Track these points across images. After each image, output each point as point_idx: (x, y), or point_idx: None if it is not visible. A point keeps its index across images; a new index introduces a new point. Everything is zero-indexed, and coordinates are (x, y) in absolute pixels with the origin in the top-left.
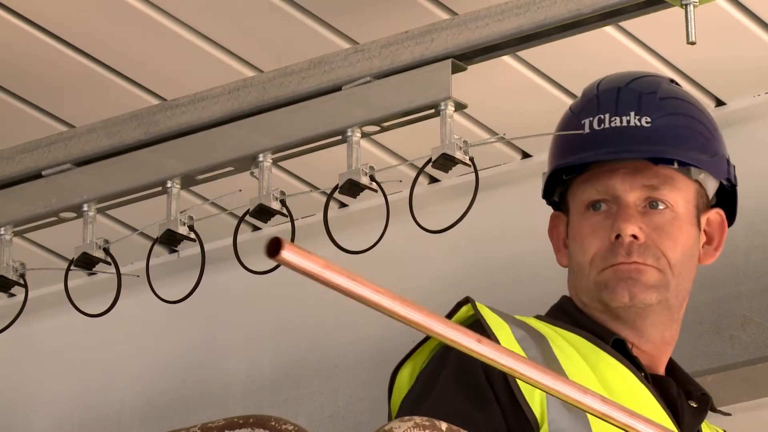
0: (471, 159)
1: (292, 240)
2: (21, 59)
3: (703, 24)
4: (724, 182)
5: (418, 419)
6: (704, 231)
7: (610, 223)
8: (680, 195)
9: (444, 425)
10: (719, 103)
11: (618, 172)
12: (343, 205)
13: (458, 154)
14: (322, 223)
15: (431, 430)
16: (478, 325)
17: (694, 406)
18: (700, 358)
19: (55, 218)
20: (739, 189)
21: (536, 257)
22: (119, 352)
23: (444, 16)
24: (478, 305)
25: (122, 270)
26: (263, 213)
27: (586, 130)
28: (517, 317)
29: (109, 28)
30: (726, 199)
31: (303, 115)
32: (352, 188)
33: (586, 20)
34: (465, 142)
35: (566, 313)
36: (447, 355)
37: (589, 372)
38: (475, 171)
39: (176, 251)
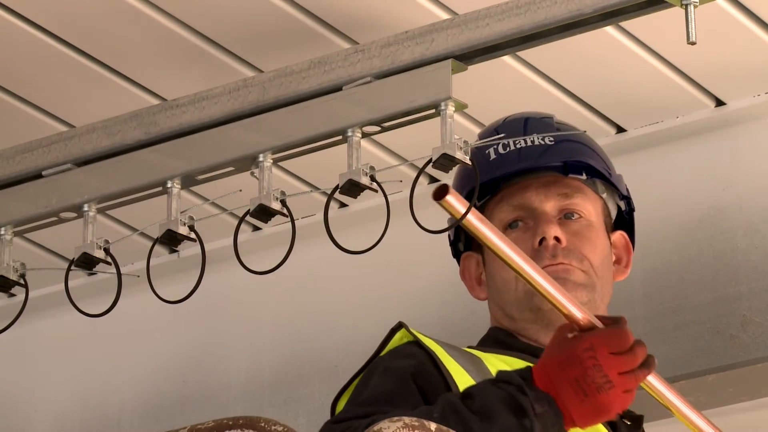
0: (471, 159)
1: (292, 240)
2: (21, 59)
3: (703, 24)
4: (621, 205)
5: (407, 419)
6: (612, 252)
7: (530, 234)
8: (591, 205)
9: (433, 425)
10: (719, 103)
11: (531, 187)
12: (343, 205)
13: (458, 154)
14: (323, 223)
15: (420, 429)
16: (415, 345)
17: (628, 423)
18: (700, 358)
19: (55, 218)
20: (740, 188)
21: None
22: (119, 352)
23: (444, 16)
24: (411, 329)
25: (123, 270)
26: (263, 213)
27: (492, 156)
28: (450, 344)
29: (110, 28)
30: (624, 227)
31: (303, 115)
32: (353, 188)
33: (587, 20)
34: (465, 142)
35: (498, 341)
36: (377, 364)
37: None
38: (475, 171)
39: (176, 251)
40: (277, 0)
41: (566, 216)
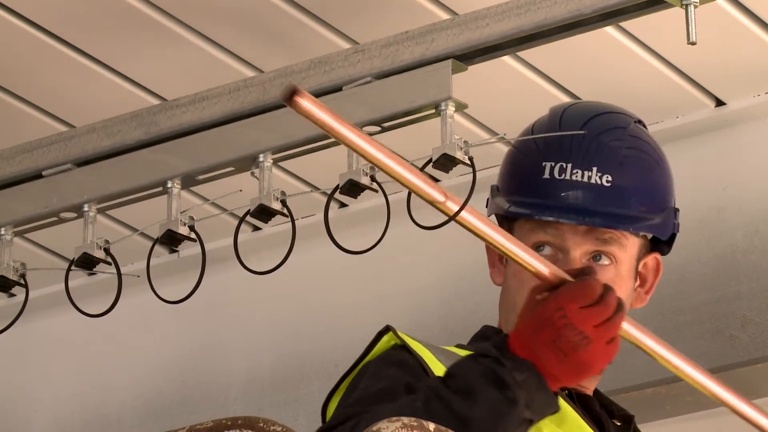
0: (470, 159)
1: (292, 240)
2: (21, 59)
3: (703, 24)
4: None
5: (405, 420)
6: (639, 273)
7: None
8: (626, 253)
9: (432, 425)
10: (719, 103)
11: (571, 225)
12: (343, 205)
13: (458, 154)
14: (323, 223)
15: (419, 430)
16: (404, 350)
17: (618, 424)
18: (700, 358)
19: (55, 218)
20: (740, 188)
21: None
22: (119, 352)
23: (444, 16)
24: (399, 333)
25: (123, 270)
26: (264, 213)
27: (546, 174)
28: (438, 347)
29: (110, 27)
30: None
31: None
32: (353, 188)
33: (587, 20)
34: (465, 142)
35: (487, 339)
36: (366, 368)
37: None
38: (473, 171)
39: (177, 251)
40: (277, 0)
41: (595, 258)
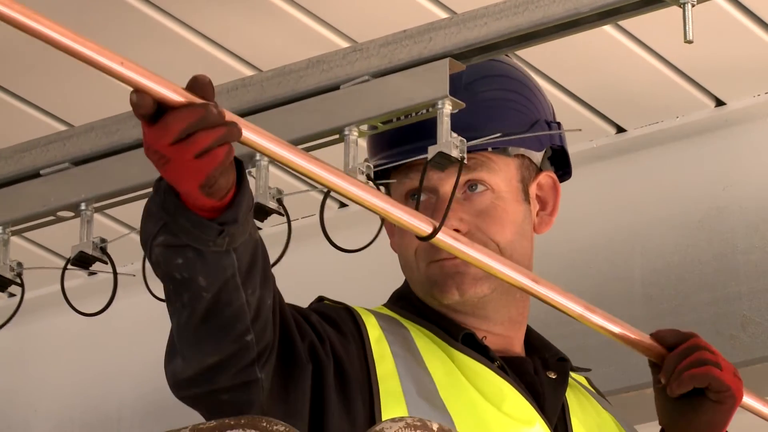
0: (461, 159)
1: (288, 240)
2: (21, 59)
3: (702, 23)
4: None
5: (409, 419)
6: (537, 197)
7: (429, 214)
8: (499, 176)
9: (435, 425)
10: (719, 103)
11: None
12: (342, 205)
13: (455, 153)
14: (320, 223)
15: (422, 429)
16: (347, 310)
17: (553, 377)
18: None
19: (52, 217)
20: (740, 188)
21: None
22: (119, 352)
23: (442, 15)
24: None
25: (120, 269)
26: (260, 212)
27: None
28: (371, 309)
29: (108, 26)
30: (559, 154)
31: (301, 114)
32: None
33: (585, 19)
34: (462, 141)
35: (411, 302)
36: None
37: (451, 366)
38: (459, 169)
39: None
40: (277, 0)
41: (470, 188)
